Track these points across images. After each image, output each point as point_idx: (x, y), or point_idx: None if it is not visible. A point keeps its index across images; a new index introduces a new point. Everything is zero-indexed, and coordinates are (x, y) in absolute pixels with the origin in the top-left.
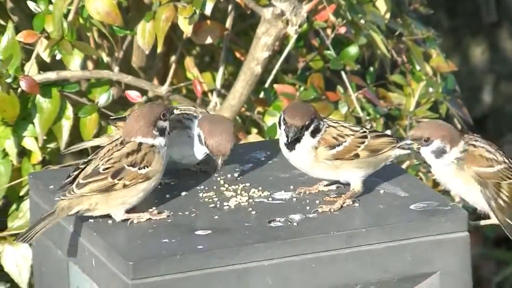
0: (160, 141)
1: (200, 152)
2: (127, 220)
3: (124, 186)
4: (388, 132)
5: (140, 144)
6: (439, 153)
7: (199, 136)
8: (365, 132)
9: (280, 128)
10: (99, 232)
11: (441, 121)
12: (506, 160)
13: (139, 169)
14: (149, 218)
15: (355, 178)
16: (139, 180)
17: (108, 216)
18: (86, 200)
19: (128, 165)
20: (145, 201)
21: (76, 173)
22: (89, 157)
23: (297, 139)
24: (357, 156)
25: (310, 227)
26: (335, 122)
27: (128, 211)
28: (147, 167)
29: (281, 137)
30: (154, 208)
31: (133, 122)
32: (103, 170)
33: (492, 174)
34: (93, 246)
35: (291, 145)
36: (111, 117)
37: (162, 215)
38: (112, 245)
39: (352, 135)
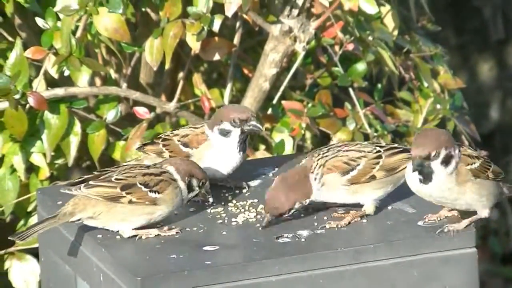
0: (183, 186)
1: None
2: (135, 236)
3: (130, 202)
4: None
5: (163, 172)
6: (448, 160)
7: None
8: (379, 151)
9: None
10: (107, 247)
11: (431, 129)
12: (475, 153)
13: (150, 191)
14: (158, 234)
15: (369, 200)
16: (146, 202)
17: (116, 231)
18: (90, 207)
19: (140, 183)
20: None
21: (88, 176)
22: (109, 168)
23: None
24: (373, 177)
25: (318, 243)
26: (346, 146)
27: (137, 228)
28: (158, 193)
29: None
30: (162, 224)
31: (181, 161)
32: (115, 179)
33: (477, 169)
34: (101, 262)
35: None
36: (138, 146)
37: (171, 231)
38: (120, 261)
39: (365, 157)
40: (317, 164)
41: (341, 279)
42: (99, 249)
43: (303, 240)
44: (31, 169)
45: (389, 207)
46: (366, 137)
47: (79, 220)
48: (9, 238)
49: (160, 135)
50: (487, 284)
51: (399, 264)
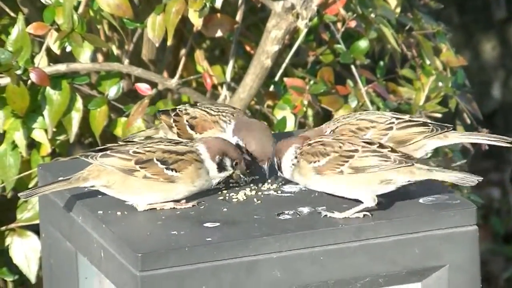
0: (211, 166)
1: None
2: (149, 209)
3: (144, 177)
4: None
5: (189, 152)
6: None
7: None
8: (392, 123)
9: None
10: (108, 223)
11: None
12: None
13: (166, 168)
14: (173, 207)
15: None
16: (161, 179)
17: (117, 207)
18: (104, 175)
19: (157, 159)
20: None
21: (112, 144)
22: (137, 140)
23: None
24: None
25: (318, 220)
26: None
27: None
28: (176, 171)
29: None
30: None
31: (215, 140)
32: (133, 152)
33: (321, 167)
34: (101, 238)
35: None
36: (158, 110)
37: (188, 204)
38: (121, 237)
39: (374, 127)
40: (330, 129)
41: (341, 256)
42: (99, 225)
43: (304, 217)
44: (32, 145)
45: None
46: None
47: (92, 186)
48: (18, 195)
49: (177, 108)
50: (489, 263)
51: (400, 241)
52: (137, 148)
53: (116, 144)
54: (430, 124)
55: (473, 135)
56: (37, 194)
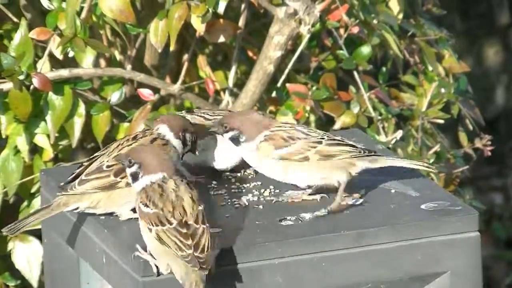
0: (177, 144)
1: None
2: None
3: (127, 184)
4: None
5: (154, 139)
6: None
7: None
8: (322, 139)
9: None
10: (110, 229)
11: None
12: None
13: None
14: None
15: (301, 183)
16: None
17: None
18: (86, 198)
19: None
20: None
21: (79, 170)
22: (96, 154)
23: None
24: (306, 158)
25: (321, 225)
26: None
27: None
28: None
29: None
30: None
31: (173, 117)
32: (107, 167)
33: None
34: (104, 243)
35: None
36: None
37: None
38: (123, 242)
39: (305, 138)
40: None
41: (343, 262)
42: (102, 230)
43: (306, 222)
44: (35, 150)
45: (392, 191)
46: (371, 121)
47: (76, 209)
48: (0, 231)
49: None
50: (491, 268)
51: (402, 247)
52: (107, 161)
53: (81, 168)
54: (358, 147)
55: (398, 160)
56: (21, 228)
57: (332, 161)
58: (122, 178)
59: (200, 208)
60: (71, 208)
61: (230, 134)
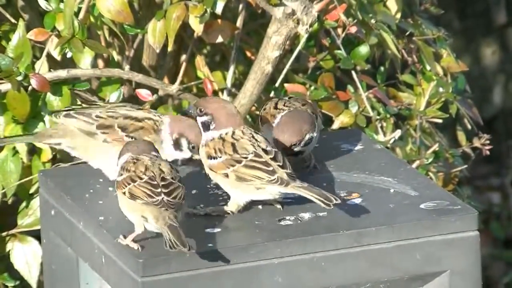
0: (167, 142)
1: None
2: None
3: (104, 141)
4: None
5: (149, 118)
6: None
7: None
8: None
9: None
10: (109, 229)
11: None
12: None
13: (126, 135)
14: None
15: (230, 198)
16: (120, 146)
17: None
18: (68, 135)
19: (119, 126)
20: None
21: (76, 106)
22: (100, 103)
23: None
24: (226, 176)
25: (319, 225)
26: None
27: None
28: (135, 138)
29: None
30: None
31: (181, 119)
32: (96, 116)
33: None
34: (103, 244)
35: None
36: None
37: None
38: (122, 243)
39: (231, 155)
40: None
41: (343, 262)
42: (101, 231)
43: (305, 222)
44: (33, 151)
45: (391, 190)
46: (369, 120)
47: (58, 144)
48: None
49: None
50: (490, 268)
51: (401, 247)
52: (100, 112)
53: (80, 106)
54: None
55: (306, 189)
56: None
57: (246, 184)
58: (102, 133)
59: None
60: (54, 142)
61: (203, 118)
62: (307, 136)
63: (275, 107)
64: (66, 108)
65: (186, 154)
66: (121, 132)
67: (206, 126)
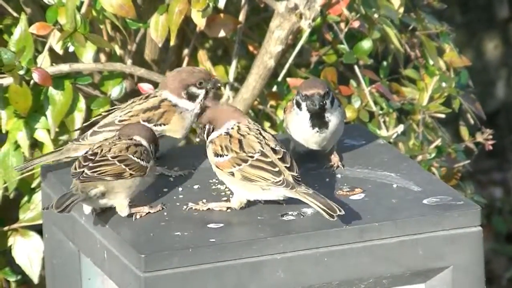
0: (185, 104)
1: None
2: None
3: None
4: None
5: (163, 100)
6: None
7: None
8: (251, 157)
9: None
10: (111, 224)
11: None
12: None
13: (154, 125)
14: (148, 212)
15: (234, 195)
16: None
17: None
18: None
19: (143, 121)
20: (156, 193)
21: (94, 119)
22: (111, 108)
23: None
24: (232, 174)
25: (322, 220)
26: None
27: (131, 206)
28: (164, 124)
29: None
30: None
31: (168, 78)
32: (119, 121)
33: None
34: (105, 239)
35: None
36: None
37: (157, 208)
38: (124, 238)
39: (237, 153)
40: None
41: (345, 257)
42: (103, 226)
43: (308, 217)
44: (35, 145)
45: (394, 185)
46: (372, 115)
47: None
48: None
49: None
50: (492, 262)
51: (404, 242)
52: (120, 116)
53: (99, 117)
54: (281, 175)
55: (311, 197)
56: (31, 165)
57: (251, 183)
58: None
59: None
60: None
61: (206, 130)
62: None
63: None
64: (85, 125)
65: (201, 93)
66: (148, 125)
67: (210, 132)
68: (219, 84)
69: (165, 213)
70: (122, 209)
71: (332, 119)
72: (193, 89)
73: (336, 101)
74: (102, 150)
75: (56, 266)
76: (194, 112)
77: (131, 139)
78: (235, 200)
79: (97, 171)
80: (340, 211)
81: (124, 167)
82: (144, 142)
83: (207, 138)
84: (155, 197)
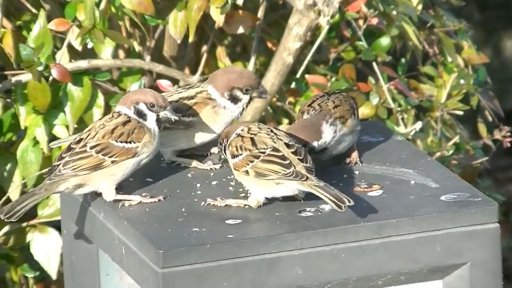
0: (225, 102)
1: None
2: (118, 201)
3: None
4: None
5: (200, 92)
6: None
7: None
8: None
9: None
10: (129, 220)
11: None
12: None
13: (183, 116)
14: (140, 202)
15: (251, 193)
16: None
17: (139, 204)
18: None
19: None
20: (175, 188)
21: (63, 151)
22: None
23: None
24: (247, 173)
25: (340, 217)
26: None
27: (119, 192)
28: (193, 116)
29: None
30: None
31: (218, 73)
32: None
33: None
34: (123, 235)
35: None
36: None
37: (154, 199)
38: (143, 234)
39: (250, 150)
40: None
41: (363, 254)
42: (121, 222)
43: (325, 214)
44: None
45: (412, 182)
46: (390, 112)
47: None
48: None
49: None
50: (509, 260)
51: (421, 238)
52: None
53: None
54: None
55: (321, 189)
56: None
57: (265, 179)
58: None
59: None
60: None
61: (222, 147)
62: (315, 144)
63: (310, 104)
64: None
65: (245, 99)
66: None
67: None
68: (264, 96)
69: (183, 209)
70: (107, 195)
71: (327, 137)
72: (238, 93)
73: (349, 122)
74: (88, 135)
75: (74, 262)
76: (235, 113)
77: (125, 114)
78: (252, 199)
79: (71, 166)
80: (349, 201)
81: (102, 157)
82: (146, 110)
83: (224, 153)
84: (172, 192)
